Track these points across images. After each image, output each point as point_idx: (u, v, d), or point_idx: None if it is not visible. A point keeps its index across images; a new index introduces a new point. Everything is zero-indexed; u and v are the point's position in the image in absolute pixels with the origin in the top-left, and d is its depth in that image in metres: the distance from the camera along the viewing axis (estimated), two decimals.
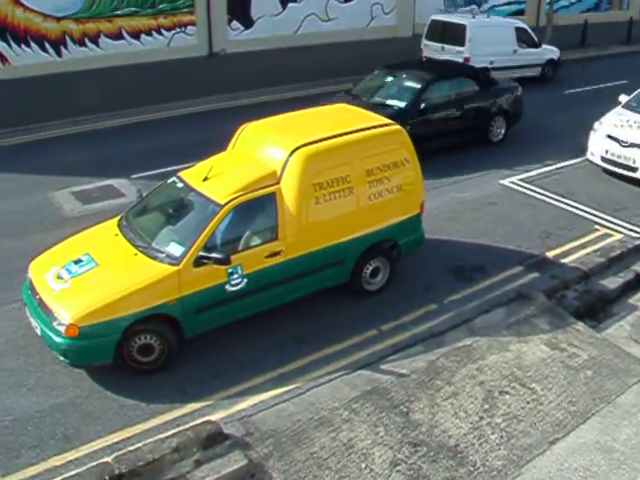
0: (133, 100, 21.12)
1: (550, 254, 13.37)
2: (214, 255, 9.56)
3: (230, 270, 9.78)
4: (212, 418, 8.88)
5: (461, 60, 23.57)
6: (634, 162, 16.50)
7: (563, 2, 39.99)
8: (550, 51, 27.07)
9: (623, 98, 18.33)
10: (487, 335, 10.84)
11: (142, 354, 9.54)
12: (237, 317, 10.22)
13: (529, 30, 26.35)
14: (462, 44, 24.17)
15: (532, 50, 26.16)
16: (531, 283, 12.35)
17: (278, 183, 10.26)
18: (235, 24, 27.95)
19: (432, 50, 25.06)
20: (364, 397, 9.39)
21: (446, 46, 24.58)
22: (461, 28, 24.42)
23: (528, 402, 9.54)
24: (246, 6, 28.10)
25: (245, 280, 9.95)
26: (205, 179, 10.35)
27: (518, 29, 25.78)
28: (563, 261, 13.13)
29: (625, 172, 16.77)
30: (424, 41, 25.83)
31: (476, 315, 11.33)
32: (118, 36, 25.52)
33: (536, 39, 26.40)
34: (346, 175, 10.73)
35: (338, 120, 11.74)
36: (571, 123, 20.41)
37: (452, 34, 24.67)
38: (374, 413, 9.12)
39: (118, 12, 25.32)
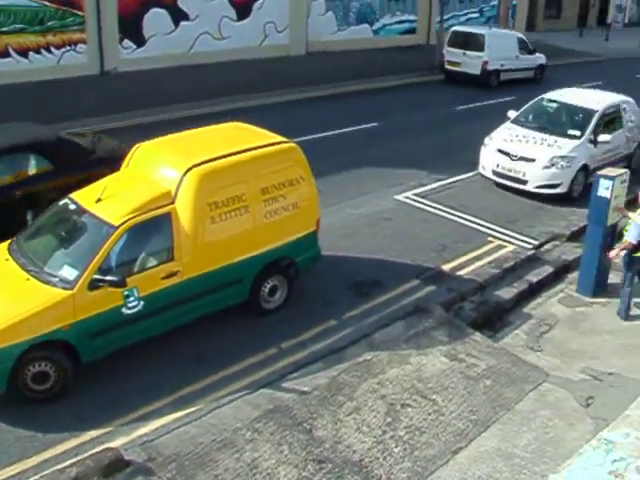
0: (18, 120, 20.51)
1: (446, 267, 13.60)
2: (109, 278, 9.36)
3: (126, 293, 9.59)
4: (112, 445, 8.67)
5: (480, 64, 28.96)
6: (524, 175, 16.99)
7: (452, 21, 40.98)
8: (540, 58, 31.99)
9: (512, 113, 18.91)
10: (387, 349, 10.93)
11: (37, 382, 9.24)
12: (135, 340, 10.01)
13: (526, 40, 31.67)
14: (481, 50, 29.21)
15: (529, 56, 31.39)
16: (428, 296, 12.55)
17: (173, 203, 10.14)
18: (127, 42, 27.55)
19: (454, 55, 29.91)
20: (266, 416, 9.33)
21: (467, 52, 29.51)
22: (481, 37, 29.71)
23: (430, 413, 9.65)
24: (138, 24, 27.73)
25: (142, 302, 9.77)
26: (98, 200, 10.14)
27: (519, 39, 31.30)
28: (459, 273, 13.40)
29: (516, 185, 17.25)
30: (446, 48, 30.44)
31: (375, 330, 11.41)
32: (5, 54, 24.77)
33: (531, 48, 31.55)
34: (241, 194, 10.70)
35: (232, 138, 11.70)
36: (463, 138, 20.90)
37: (472, 42, 29.62)
38: (277, 432, 9.07)
39: (4, 29, 24.58)
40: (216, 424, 9.15)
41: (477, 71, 29.18)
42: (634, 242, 12.14)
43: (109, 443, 8.73)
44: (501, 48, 29.86)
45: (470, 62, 29.28)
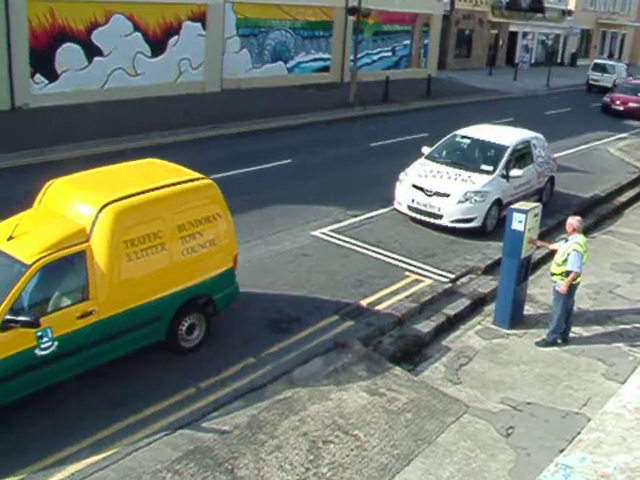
0: None
1: (364, 302, 13.64)
2: (22, 318, 9.06)
3: (40, 333, 9.29)
4: None
5: (612, 80, 50.19)
6: (439, 210, 17.22)
7: (366, 60, 41.69)
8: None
9: (425, 150, 19.20)
10: (307, 385, 10.85)
11: None
12: (50, 383, 9.69)
13: (627, 67, 56.76)
14: (612, 73, 51.58)
15: (629, 77, 50.77)
16: (347, 331, 12.53)
17: (88, 241, 9.91)
18: (39, 77, 27.10)
19: (596, 76, 51.83)
20: (187, 457, 9.12)
21: (604, 74, 51.47)
22: (611, 66, 52.90)
23: (352, 449, 9.59)
24: (50, 59, 27.33)
25: (56, 343, 9.48)
26: (10, 238, 9.83)
27: (626, 66, 55.83)
28: (377, 308, 13.44)
29: (431, 220, 17.47)
30: (590, 72, 52.62)
31: (295, 366, 11.33)
32: None
33: (630, 72, 54.53)
34: (158, 231, 10.55)
35: (148, 175, 11.54)
36: (378, 174, 21.12)
37: (607, 68, 52.46)
38: (198, 473, 8.87)
39: None
40: (135, 467, 8.90)
41: (610, 84, 49.35)
42: (580, 271, 12.41)
43: None
44: (619, 71, 52.39)
45: (605, 79, 51.15)
